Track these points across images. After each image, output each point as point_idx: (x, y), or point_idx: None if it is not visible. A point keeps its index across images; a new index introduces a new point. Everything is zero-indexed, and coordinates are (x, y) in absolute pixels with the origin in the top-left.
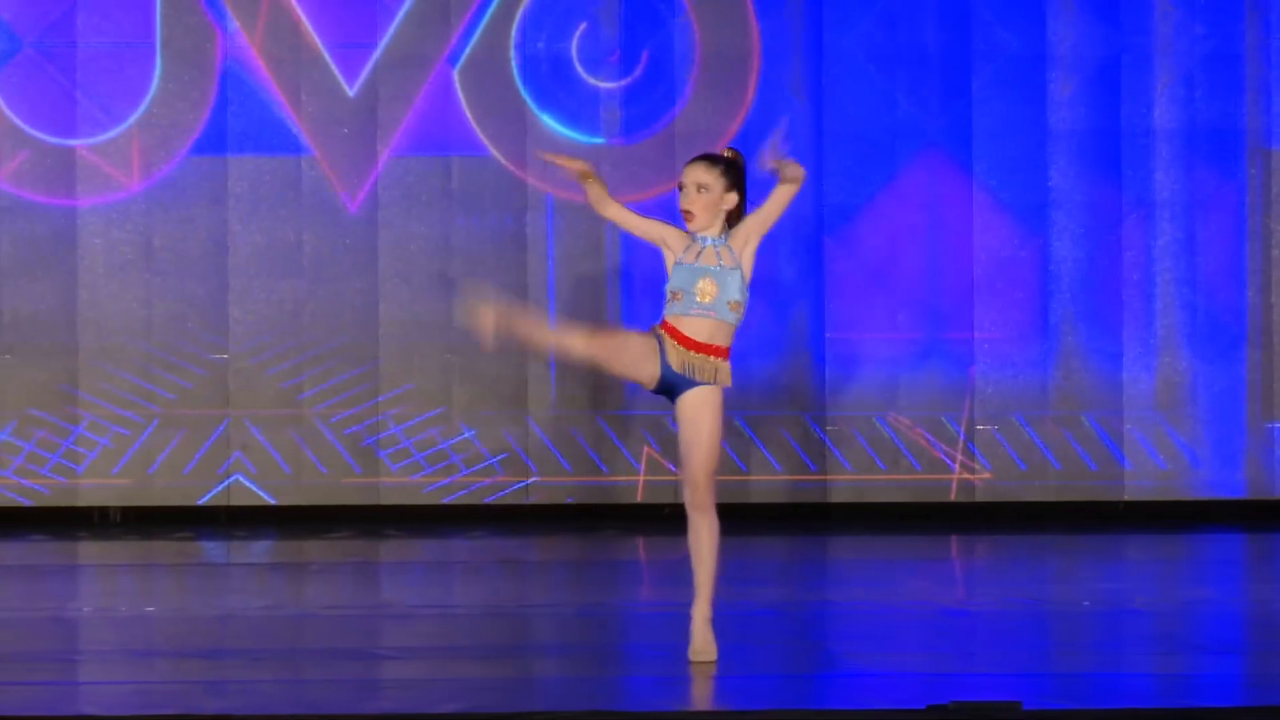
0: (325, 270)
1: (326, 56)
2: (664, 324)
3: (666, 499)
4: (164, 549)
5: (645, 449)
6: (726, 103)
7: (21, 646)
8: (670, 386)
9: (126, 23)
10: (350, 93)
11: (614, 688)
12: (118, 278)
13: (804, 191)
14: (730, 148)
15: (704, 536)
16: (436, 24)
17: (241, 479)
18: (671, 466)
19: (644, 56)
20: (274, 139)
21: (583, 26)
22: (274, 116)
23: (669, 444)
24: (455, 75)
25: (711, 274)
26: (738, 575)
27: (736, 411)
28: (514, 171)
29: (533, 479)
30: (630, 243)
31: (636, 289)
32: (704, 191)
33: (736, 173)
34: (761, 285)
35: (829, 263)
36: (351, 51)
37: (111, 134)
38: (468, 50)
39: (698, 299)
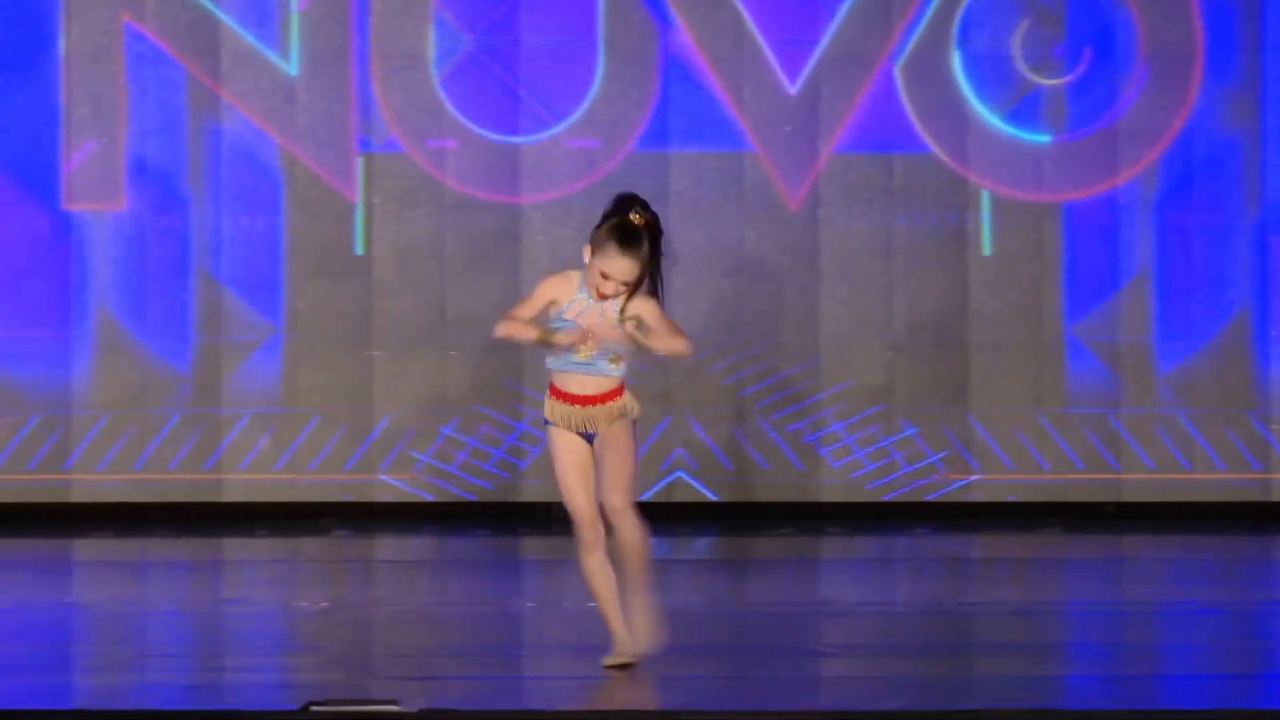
0: (766, 267)
1: (768, 53)
2: (550, 388)
3: (1109, 497)
4: (606, 545)
5: (1088, 447)
6: (1170, 99)
7: (466, 640)
8: (587, 437)
9: (568, 20)
10: (792, 90)
11: (1055, 685)
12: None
13: (1245, 190)
14: (641, 211)
15: (630, 538)
16: (878, 22)
17: (683, 475)
18: (1115, 464)
19: (1086, 54)
20: (716, 135)
21: (1024, 24)
22: (716, 113)
23: (1112, 442)
24: (897, 73)
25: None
26: (1181, 574)
27: (1180, 409)
28: (955, 169)
29: (974, 477)
30: (1073, 242)
31: (1079, 287)
32: (627, 285)
33: (656, 250)
34: (1204, 283)
35: (1273, 261)
36: (793, 48)
37: (554, 131)
38: (909, 48)
39: (575, 355)
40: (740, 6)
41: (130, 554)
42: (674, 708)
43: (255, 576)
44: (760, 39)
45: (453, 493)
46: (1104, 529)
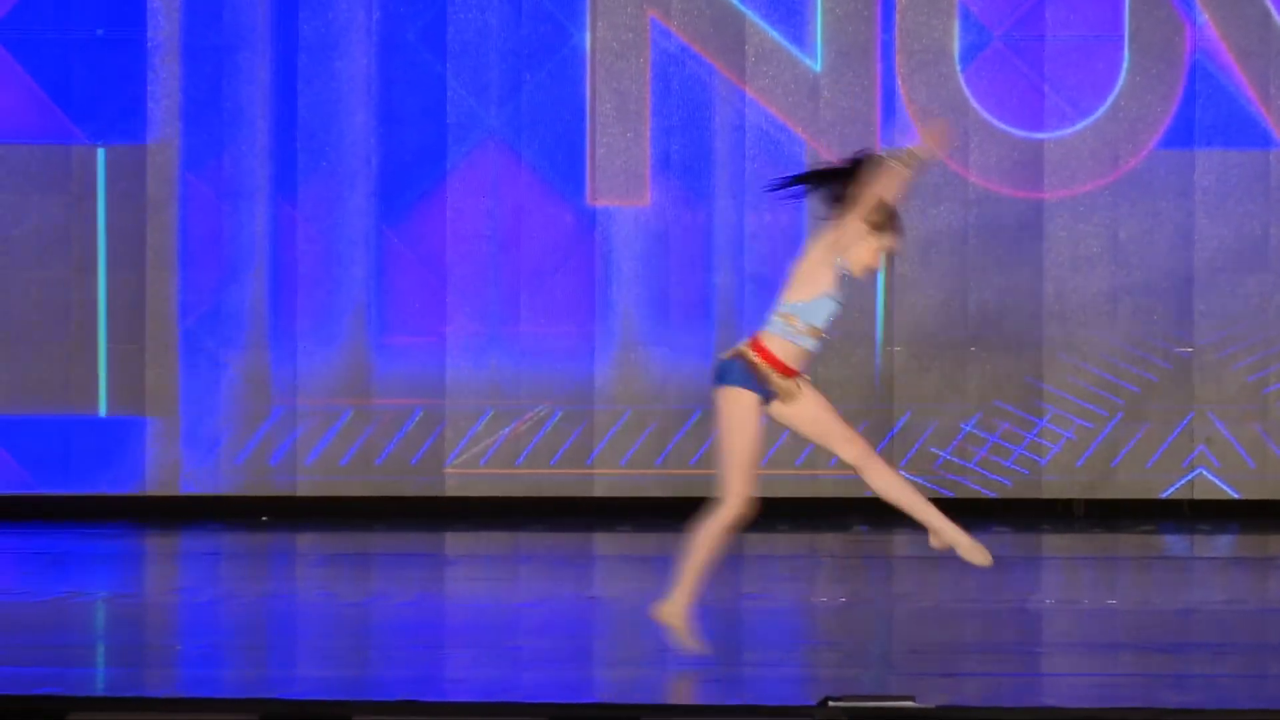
0: None
1: None
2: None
3: None
4: (1126, 542)
5: None
6: None
7: (984, 637)
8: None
9: (1094, 15)
10: None
11: None
12: (1083, 270)
13: None
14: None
15: None
16: None
17: (1205, 473)
18: None
19: None
20: (1241, 132)
21: None
22: (1241, 109)
23: None
24: None
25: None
26: None
27: None
28: None
29: None
30: None
31: None
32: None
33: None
34: None
35: None
36: None
37: (1078, 127)
38: None
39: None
40: (1268, 3)
41: (651, 549)
42: (1193, 706)
43: (776, 572)
44: None
45: (972, 488)
46: None
